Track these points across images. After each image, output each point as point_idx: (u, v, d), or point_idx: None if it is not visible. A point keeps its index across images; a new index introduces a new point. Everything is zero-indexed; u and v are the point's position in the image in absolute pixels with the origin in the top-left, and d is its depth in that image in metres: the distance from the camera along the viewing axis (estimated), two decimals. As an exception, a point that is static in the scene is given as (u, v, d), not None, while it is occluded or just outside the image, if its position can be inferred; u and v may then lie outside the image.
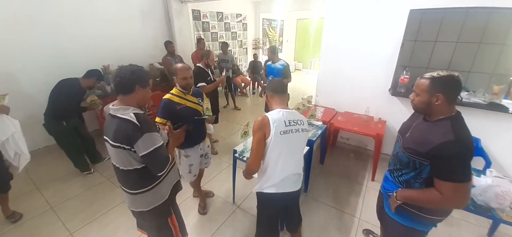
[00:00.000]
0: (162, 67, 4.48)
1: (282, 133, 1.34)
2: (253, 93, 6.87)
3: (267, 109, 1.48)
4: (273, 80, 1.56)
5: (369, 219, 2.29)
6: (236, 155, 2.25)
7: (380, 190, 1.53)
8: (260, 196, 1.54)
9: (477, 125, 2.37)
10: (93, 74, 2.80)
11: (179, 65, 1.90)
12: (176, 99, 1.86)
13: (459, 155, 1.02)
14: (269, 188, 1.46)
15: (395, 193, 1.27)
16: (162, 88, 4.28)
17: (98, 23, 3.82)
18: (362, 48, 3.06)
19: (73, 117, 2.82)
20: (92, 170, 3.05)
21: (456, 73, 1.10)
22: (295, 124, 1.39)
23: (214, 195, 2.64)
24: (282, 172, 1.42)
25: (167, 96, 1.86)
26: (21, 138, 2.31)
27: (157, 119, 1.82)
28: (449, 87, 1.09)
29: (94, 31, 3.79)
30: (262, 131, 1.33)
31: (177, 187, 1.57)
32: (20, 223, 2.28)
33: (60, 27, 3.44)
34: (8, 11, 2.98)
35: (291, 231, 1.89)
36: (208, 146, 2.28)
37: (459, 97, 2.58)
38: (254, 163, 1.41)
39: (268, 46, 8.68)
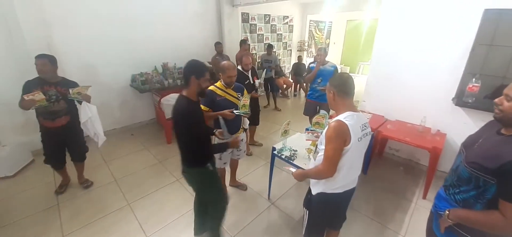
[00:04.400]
0: (211, 66, 4.81)
1: (359, 139, 1.28)
2: (295, 95, 6.82)
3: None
4: (342, 77, 1.37)
5: (416, 240, 2.08)
6: (275, 152, 2.29)
7: (431, 210, 1.35)
8: (321, 196, 1.45)
9: None
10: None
11: (226, 63, 2.09)
12: (218, 91, 2.10)
13: None
14: (336, 189, 1.40)
15: (448, 211, 1.11)
16: (211, 85, 4.60)
17: (161, 26, 4.33)
18: (422, 51, 2.77)
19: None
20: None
21: None
22: (365, 127, 1.34)
23: (247, 188, 2.75)
24: (351, 176, 1.40)
25: (211, 87, 2.11)
26: (97, 121, 2.63)
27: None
28: None
29: (157, 32, 4.32)
30: (342, 138, 1.23)
31: None
32: (90, 190, 2.75)
33: (132, 27, 4.02)
34: (90, 12, 3.57)
35: (335, 229, 1.78)
36: (242, 140, 2.38)
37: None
38: (330, 171, 1.29)
39: (313, 48, 8.50)
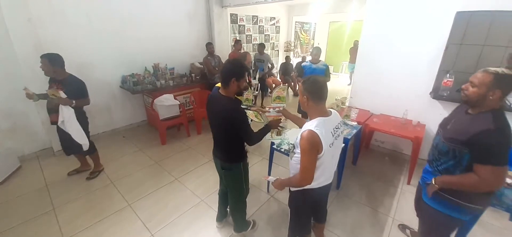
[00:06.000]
0: (202, 66, 4.84)
1: (331, 145, 1.35)
2: (283, 94, 7.00)
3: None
4: (313, 80, 1.38)
5: (403, 220, 2.30)
6: (274, 146, 2.42)
7: (419, 182, 1.60)
8: (300, 192, 1.54)
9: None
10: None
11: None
12: None
13: (497, 142, 1.11)
14: (312, 186, 1.46)
15: (434, 179, 1.35)
16: (202, 86, 4.64)
17: (152, 26, 4.29)
18: (402, 50, 3.04)
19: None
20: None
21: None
22: (337, 129, 1.41)
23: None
24: (327, 173, 1.49)
25: (218, 85, 2.15)
26: (72, 126, 2.47)
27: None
28: (509, 86, 1.16)
29: (148, 33, 4.27)
30: (315, 148, 1.29)
31: None
32: (86, 194, 2.70)
33: (121, 28, 3.94)
34: (78, 12, 3.47)
35: (320, 222, 1.93)
36: None
37: (507, 102, 2.46)
38: (309, 180, 1.35)
39: (299, 49, 8.77)
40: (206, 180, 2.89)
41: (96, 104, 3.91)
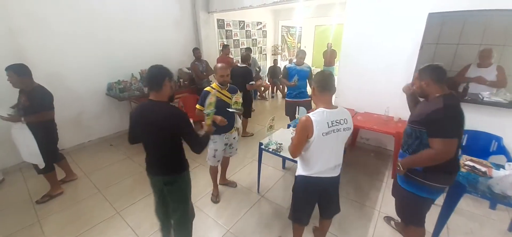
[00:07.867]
0: (190, 71, 4.86)
1: (324, 134, 1.40)
2: (272, 97, 7.10)
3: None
4: (322, 74, 1.51)
5: (388, 212, 2.39)
6: (262, 147, 2.47)
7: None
8: (300, 178, 1.62)
9: (499, 123, 2.42)
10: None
11: (219, 65, 2.23)
12: (213, 91, 2.17)
13: (445, 117, 1.33)
14: (312, 173, 1.55)
15: (399, 163, 1.56)
16: (190, 91, 4.65)
17: (137, 33, 4.29)
18: (381, 50, 3.19)
19: None
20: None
21: (437, 63, 1.48)
22: (337, 123, 1.44)
23: (237, 185, 2.88)
24: (323, 165, 1.52)
25: (207, 88, 2.22)
26: (20, 142, 2.37)
27: (197, 106, 2.21)
28: (430, 72, 1.45)
29: (134, 39, 4.27)
30: (305, 131, 1.40)
31: None
32: (73, 204, 2.64)
33: (107, 35, 3.92)
34: (62, 20, 3.43)
35: (325, 218, 1.89)
36: (235, 138, 2.52)
37: (480, 96, 2.63)
38: (293, 154, 1.53)
39: (286, 52, 8.94)
40: (196, 184, 2.89)
41: (81, 113, 3.87)
